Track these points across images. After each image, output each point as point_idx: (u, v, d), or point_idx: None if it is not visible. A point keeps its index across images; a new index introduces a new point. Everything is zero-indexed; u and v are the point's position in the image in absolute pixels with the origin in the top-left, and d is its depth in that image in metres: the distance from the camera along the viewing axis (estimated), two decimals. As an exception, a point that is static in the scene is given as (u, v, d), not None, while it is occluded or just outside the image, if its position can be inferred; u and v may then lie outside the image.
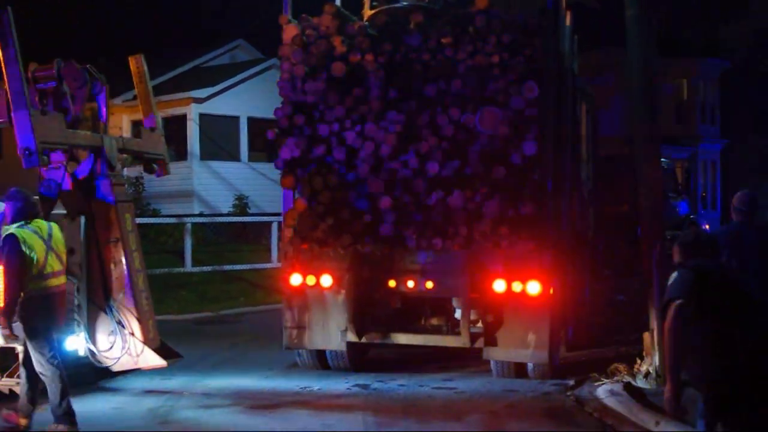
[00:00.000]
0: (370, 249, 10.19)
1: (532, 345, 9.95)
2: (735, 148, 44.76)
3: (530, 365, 10.25)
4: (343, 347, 10.51)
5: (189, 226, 21.89)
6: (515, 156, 9.85)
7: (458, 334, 10.15)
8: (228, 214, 26.40)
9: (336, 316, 10.40)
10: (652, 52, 10.17)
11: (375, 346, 11.03)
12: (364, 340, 10.45)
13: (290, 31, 10.56)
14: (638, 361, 9.95)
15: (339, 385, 10.25)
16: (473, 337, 10.10)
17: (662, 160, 28.97)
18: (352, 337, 10.35)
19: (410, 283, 10.21)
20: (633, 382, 9.73)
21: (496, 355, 10.22)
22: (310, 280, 10.43)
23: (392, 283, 10.26)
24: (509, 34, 9.98)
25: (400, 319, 10.81)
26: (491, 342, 10.10)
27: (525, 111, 9.85)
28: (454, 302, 10.33)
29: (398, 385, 10.21)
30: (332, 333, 10.46)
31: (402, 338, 10.51)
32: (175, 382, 10.42)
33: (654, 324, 9.80)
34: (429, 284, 10.17)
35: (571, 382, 10.08)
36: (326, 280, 10.37)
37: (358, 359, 10.92)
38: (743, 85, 48.56)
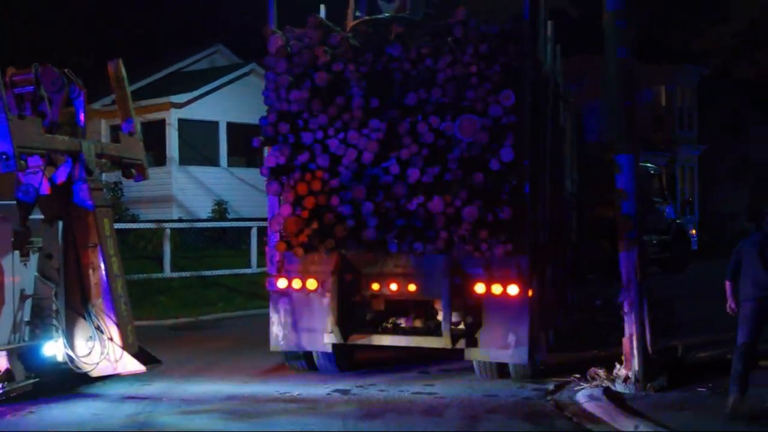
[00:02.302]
0: (353, 253, 10.47)
1: (512, 345, 10.19)
2: (711, 154, 45.01)
3: (511, 365, 10.48)
4: (328, 348, 10.74)
5: (168, 231, 21.82)
6: (493, 162, 10.07)
7: (440, 335, 10.34)
8: (207, 220, 26.33)
9: (321, 319, 10.64)
10: (630, 59, 10.23)
11: (361, 347, 11.21)
12: (348, 341, 10.66)
13: (275, 41, 10.76)
14: (617, 366, 10.00)
15: (319, 390, 10.24)
16: (455, 338, 10.30)
17: (649, 165, 29.38)
18: (337, 338, 10.57)
19: (393, 286, 10.48)
20: (612, 387, 9.79)
21: (476, 355, 10.45)
22: (296, 283, 10.70)
23: (376, 286, 10.54)
24: (486, 44, 10.21)
25: (384, 321, 11.14)
26: (472, 343, 10.34)
27: (502, 119, 10.08)
28: (436, 304, 10.55)
29: (378, 390, 10.21)
30: (318, 335, 10.69)
31: (386, 340, 10.76)
32: (154, 387, 10.38)
33: (633, 329, 9.85)
34: (411, 287, 10.45)
35: (551, 387, 10.13)
36: (311, 284, 10.64)
37: (344, 360, 11.20)
38: (720, 92, 48.89)
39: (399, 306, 11.10)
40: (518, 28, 10.41)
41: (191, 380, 10.85)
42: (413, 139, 10.25)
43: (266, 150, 10.92)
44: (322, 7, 12.03)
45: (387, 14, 11.02)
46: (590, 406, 9.13)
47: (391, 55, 10.49)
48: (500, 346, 10.26)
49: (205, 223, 25.73)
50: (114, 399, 9.85)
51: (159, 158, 27.43)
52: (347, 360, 11.33)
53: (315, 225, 10.40)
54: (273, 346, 11.02)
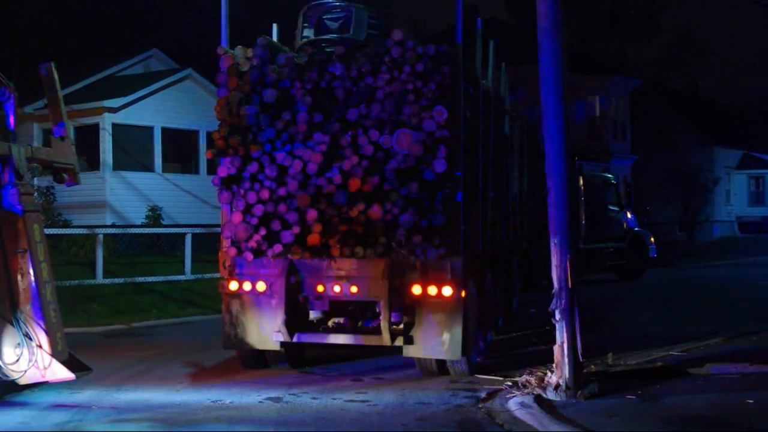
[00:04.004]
0: (299, 257, 11.11)
1: (446, 343, 10.87)
2: (643, 164, 45.72)
3: (451, 365, 11.20)
4: (277, 347, 11.40)
5: (101, 237, 21.60)
6: (427, 173, 10.77)
7: (380, 333, 11.01)
8: (141, 226, 26.10)
9: (270, 319, 11.30)
10: (564, 68, 10.35)
11: (308, 345, 11.93)
12: (295, 340, 11.28)
13: (226, 60, 11.44)
14: (548, 374, 10.09)
15: (251, 398, 10.20)
16: (393, 337, 10.97)
17: (607, 175, 29.76)
18: (284, 337, 11.22)
19: (336, 288, 11.17)
20: (544, 395, 9.87)
21: (414, 352, 11.10)
22: (246, 285, 11.37)
23: (320, 288, 11.24)
24: (422, 64, 10.91)
25: (329, 321, 11.89)
26: (409, 341, 11.00)
27: (436, 132, 10.77)
28: (377, 305, 11.27)
29: (311, 398, 10.20)
30: (267, 334, 11.32)
31: (330, 338, 11.42)
32: (84, 395, 10.25)
33: (564, 337, 9.94)
34: (353, 289, 11.13)
35: (483, 395, 10.20)
36: (261, 286, 11.32)
37: (294, 357, 12.00)
38: (651, 103, 49.68)
39: (343, 307, 11.79)
40: (452, 49, 11.10)
41: (122, 388, 10.73)
42: (354, 151, 10.93)
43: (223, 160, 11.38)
44: (275, 27, 12.88)
45: (332, 36, 11.61)
46: (521, 414, 9.19)
47: (333, 73, 11.19)
48: (435, 343, 10.90)
49: (139, 229, 25.50)
50: (42, 407, 9.71)
51: (93, 163, 27.15)
52: (297, 357, 12.06)
53: (263, 231, 11.03)
54: (225, 346, 11.66)
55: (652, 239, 28.99)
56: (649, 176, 45.44)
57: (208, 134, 29.20)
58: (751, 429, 8.53)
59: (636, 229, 28.41)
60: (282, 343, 11.33)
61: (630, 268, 27.75)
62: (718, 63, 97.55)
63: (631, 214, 28.39)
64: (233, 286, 11.41)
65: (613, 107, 45.15)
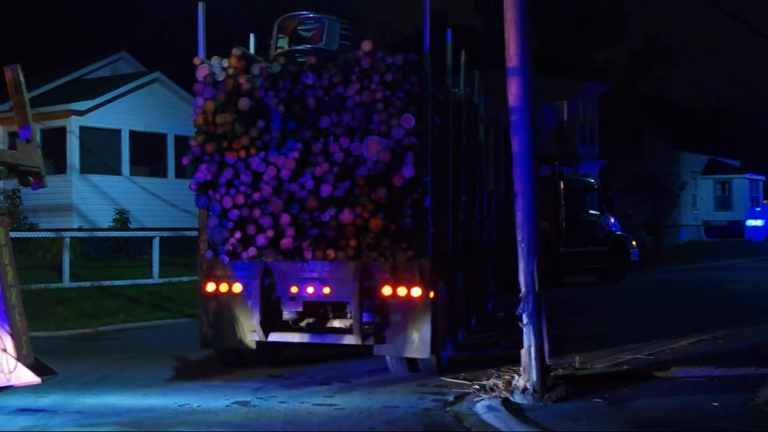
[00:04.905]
0: (273, 259, 11.49)
1: (416, 342, 11.23)
2: (611, 169, 45.98)
3: (420, 363, 11.53)
4: (253, 345, 11.81)
5: (67, 240, 21.47)
6: (396, 178, 11.10)
7: (352, 333, 11.41)
8: (108, 229, 25.95)
9: (245, 319, 11.75)
10: (532, 73, 10.43)
11: (285, 345, 12.40)
12: (270, 339, 11.69)
13: (203, 70, 11.83)
14: (516, 377, 10.13)
15: (219, 402, 10.17)
16: (365, 336, 11.36)
17: (589, 180, 30.10)
18: (260, 336, 11.67)
19: (310, 289, 11.58)
20: (511, 398, 9.91)
21: (385, 351, 11.51)
22: (223, 287, 11.82)
23: (294, 290, 11.64)
24: (391, 74, 11.29)
25: (302, 321, 12.21)
26: (380, 340, 11.40)
27: (404, 140, 11.13)
28: (349, 306, 11.66)
29: (279, 402, 10.18)
30: (243, 334, 11.78)
31: (304, 338, 11.88)
32: (50, 400, 10.19)
33: (532, 341, 9.98)
34: (326, 290, 11.56)
35: (451, 398, 10.23)
36: (237, 287, 11.78)
37: (271, 356, 12.44)
38: (620, 108, 49.99)
39: (316, 307, 12.15)
40: (419, 60, 11.45)
41: (89, 392, 10.67)
42: (326, 158, 11.31)
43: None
44: (252, 37, 13.43)
45: (305, 46, 12.04)
46: (488, 417, 9.23)
47: (305, 83, 11.56)
48: (405, 342, 11.28)
49: (106, 233, 25.35)
50: (8, 412, 9.65)
51: (59, 166, 27.00)
52: (274, 356, 12.52)
53: (239, 235, 11.45)
54: (203, 345, 12.12)
55: (634, 243, 29.43)
56: (617, 181, 45.68)
57: (177, 137, 29.25)
58: (715, 431, 8.61)
59: (618, 233, 28.81)
60: (258, 343, 11.72)
61: (611, 271, 28.15)
62: (684, 69, 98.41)
63: (612, 218, 28.75)
64: (210, 287, 11.83)
65: (581, 112, 45.38)
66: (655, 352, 13.15)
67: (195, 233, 24.42)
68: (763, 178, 62.20)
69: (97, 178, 27.50)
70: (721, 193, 59.88)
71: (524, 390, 9.88)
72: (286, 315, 12.01)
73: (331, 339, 11.83)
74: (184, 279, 22.72)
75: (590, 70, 51.02)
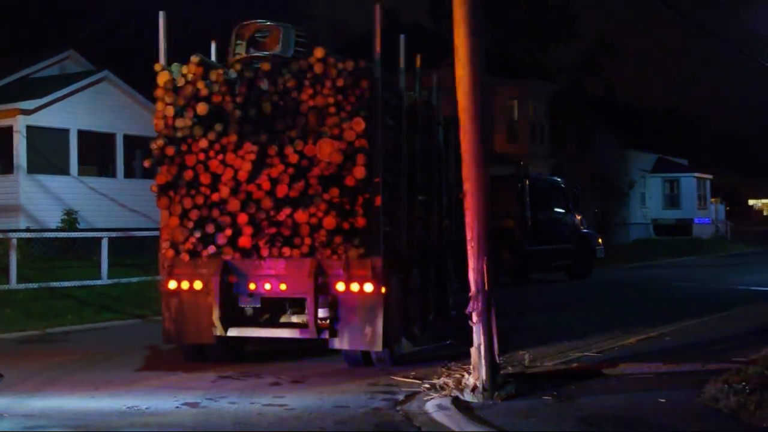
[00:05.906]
0: (231, 257, 11.99)
1: (369, 336, 11.75)
2: (561, 168, 46.28)
3: (374, 356, 12.02)
4: (213, 341, 12.28)
5: (14, 241, 21.20)
6: (348, 179, 11.57)
7: (308, 327, 11.86)
8: (56, 230, 25.66)
9: (206, 315, 12.16)
10: (481, 72, 10.45)
11: (246, 340, 12.84)
12: (229, 334, 12.17)
13: (163, 76, 12.27)
14: (465, 375, 10.16)
15: (168, 403, 10.10)
16: (320, 330, 11.84)
17: (555, 178, 30.61)
18: (219, 332, 12.13)
19: (267, 286, 12.11)
20: (461, 396, 9.93)
21: (339, 344, 11.96)
22: (184, 284, 12.28)
23: (252, 286, 12.17)
24: (342, 79, 11.78)
25: (261, 317, 12.66)
26: (335, 334, 11.90)
27: (355, 142, 11.59)
28: (305, 301, 12.01)
29: (228, 402, 10.13)
30: (203, 329, 12.22)
31: (262, 332, 12.44)
32: (-4, 403, 10.05)
33: (481, 339, 10.02)
34: (283, 286, 12.07)
35: (401, 397, 10.23)
36: (197, 284, 12.23)
37: (233, 350, 12.81)
38: (569, 107, 50.33)
39: (274, 303, 12.56)
40: (370, 65, 11.96)
41: (36, 395, 10.53)
42: (281, 160, 11.75)
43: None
44: (213, 44, 13.83)
45: (262, 52, 12.45)
46: (439, 416, 9.24)
47: (261, 88, 12.05)
48: (358, 336, 11.80)
49: (54, 233, 25.06)
50: (-48, 416, 9.51)
51: (6, 166, 26.70)
52: (236, 351, 12.88)
53: (198, 234, 11.91)
54: (166, 341, 12.67)
55: (600, 240, 29.95)
56: (567, 179, 46.06)
57: (126, 137, 29.03)
58: (662, 427, 8.71)
59: (584, 230, 29.28)
60: (218, 338, 12.18)
61: (577, 267, 28.61)
62: (633, 68, 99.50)
63: (578, 216, 29.23)
64: (172, 284, 12.30)
65: (531, 111, 45.66)
66: (605, 349, 13.28)
67: (144, 233, 24.46)
68: (710, 177, 63.06)
69: (44, 178, 27.19)
70: (670, 191, 60.63)
71: (474, 388, 9.90)
72: (245, 311, 12.44)
73: (288, 333, 12.30)
74: (134, 280, 22.55)
75: (541, 69, 51.30)
